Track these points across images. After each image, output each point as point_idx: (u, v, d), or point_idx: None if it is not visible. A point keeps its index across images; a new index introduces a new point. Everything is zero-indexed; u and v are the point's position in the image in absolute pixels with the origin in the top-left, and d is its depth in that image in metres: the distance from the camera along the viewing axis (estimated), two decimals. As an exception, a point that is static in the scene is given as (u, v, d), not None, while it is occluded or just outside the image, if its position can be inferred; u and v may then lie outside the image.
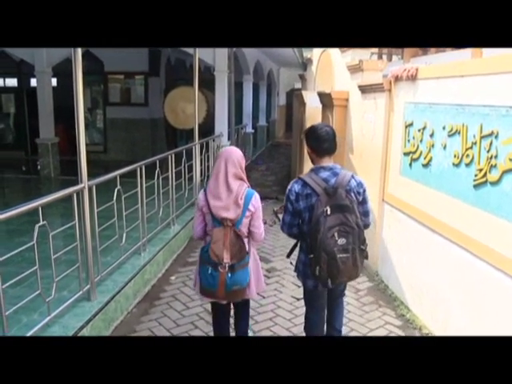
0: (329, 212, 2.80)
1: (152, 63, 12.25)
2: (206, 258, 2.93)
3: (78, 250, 3.64)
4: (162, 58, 12.46)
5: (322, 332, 3.29)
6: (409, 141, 4.30)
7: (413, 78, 4.17)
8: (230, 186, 2.95)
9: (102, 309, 3.68)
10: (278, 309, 4.37)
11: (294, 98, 9.59)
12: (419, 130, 4.07)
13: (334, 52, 6.64)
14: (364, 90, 5.37)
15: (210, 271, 2.91)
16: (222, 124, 9.22)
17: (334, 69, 6.70)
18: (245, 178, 3.05)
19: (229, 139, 9.39)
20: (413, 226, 4.21)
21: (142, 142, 12.15)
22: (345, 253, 2.81)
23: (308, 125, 7.80)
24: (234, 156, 3.03)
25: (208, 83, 10.08)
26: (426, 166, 3.96)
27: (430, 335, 3.82)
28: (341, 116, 6.12)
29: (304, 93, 8.17)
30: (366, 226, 3.09)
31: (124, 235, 4.54)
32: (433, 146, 3.84)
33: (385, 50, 13.08)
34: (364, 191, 3.06)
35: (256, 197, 3.04)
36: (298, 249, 3.18)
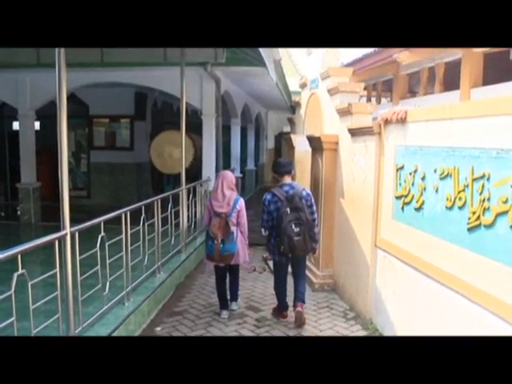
0: (289, 211, 4.80)
1: (138, 106, 12.44)
2: (208, 235, 5.14)
3: (59, 299, 3.56)
4: (149, 101, 12.67)
5: (285, 292, 5.26)
6: (400, 184, 4.36)
7: (402, 120, 4.27)
8: (225, 193, 5.15)
9: (82, 363, 3.55)
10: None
11: (283, 142, 9.73)
12: (410, 173, 4.13)
13: (323, 94, 6.79)
14: (354, 133, 5.47)
15: (210, 243, 5.10)
16: (209, 168, 9.35)
17: (322, 112, 6.83)
18: (235, 189, 5.29)
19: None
20: (407, 271, 4.20)
21: (127, 187, 12.19)
22: (298, 236, 4.78)
23: (298, 168, 8.01)
24: (227, 176, 5.29)
25: (195, 127, 10.23)
26: (418, 209, 4.00)
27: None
28: (331, 160, 6.19)
29: (293, 136, 8.29)
30: (313, 219, 4.99)
31: (107, 284, 4.46)
32: (425, 189, 3.90)
33: (373, 93, 13.38)
34: (311, 198, 5.06)
35: (241, 201, 5.25)
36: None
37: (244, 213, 5.20)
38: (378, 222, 4.88)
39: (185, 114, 7.27)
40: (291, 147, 8.51)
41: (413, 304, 4.12)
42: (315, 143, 6.40)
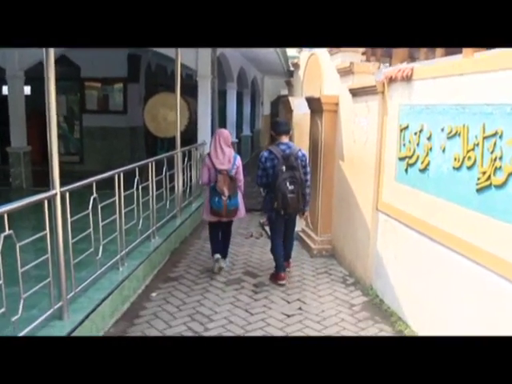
0: (284, 169, 4.95)
1: (131, 69, 12.14)
2: (215, 191, 5.24)
3: (50, 263, 3.45)
4: (142, 63, 12.35)
5: (282, 251, 5.32)
6: (404, 145, 4.22)
7: (408, 78, 4.09)
8: (224, 150, 5.35)
9: (75, 329, 3.46)
10: (267, 326, 4.20)
11: (281, 105, 9.55)
12: (415, 133, 3.98)
13: (323, 55, 6.57)
14: (355, 93, 5.30)
15: (217, 199, 5.23)
16: (205, 132, 9.20)
17: (322, 72, 6.62)
18: (231, 146, 5.53)
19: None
20: (410, 235, 4.11)
21: (121, 152, 11.93)
22: (292, 194, 4.95)
23: (296, 131, 7.86)
24: (223, 133, 5.49)
25: (190, 90, 10.07)
26: (423, 170, 3.87)
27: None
28: (330, 121, 6.04)
29: (291, 99, 8.11)
30: (306, 180, 5.16)
31: (100, 248, 4.34)
32: (430, 149, 3.75)
33: (372, 58, 13.20)
34: (306, 159, 5.22)
35: (238, 158, 5.45)
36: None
37: (241, 169, 5.44)
38: (380, 185, 4.76)
39: (180, 76, 7.05)
40: (289, 110, 8.32)
41: (415, 268, 4.04)
42: (315, 105, 6.23)
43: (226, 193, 5.20)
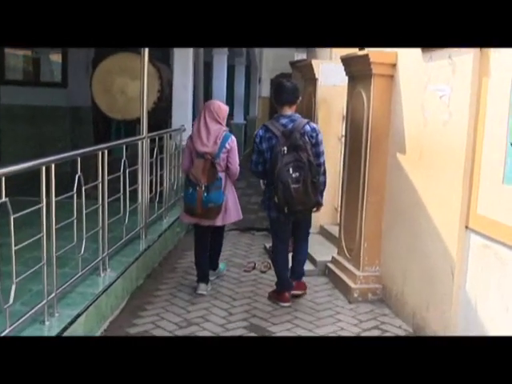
0: (285, 151, 4.91)
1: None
2: (188, 181, 5.42)
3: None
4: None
5: (287, 262, 5.52)
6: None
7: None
8: (209, 127, 5.35)
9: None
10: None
11: (296, 73, 8.99)
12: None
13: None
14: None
15: (190, 191, 5.34)
16: (184, 113, 8.95)
17: None
18: (223, 124, 5.50)
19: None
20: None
21: (57, 142, 11.38)
22: (297, 183, 4.85)
23: (321, 111, 7.39)
24: (213, 105, 5.52)
25: (163, 53, 10.00)
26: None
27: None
28: (384, 92, 5.56)
29: (314, 63, 7.47)
30: (319, 164, 5.14)
31: (12, 290, 3.66)
32: None
33: None
34: (317, 135, 5.17)
35: (232, 138, 5.51)
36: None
37: (235, 154, 5.53)
38: (474, 190, 4.27)
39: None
40: (310, 80, 7.78)
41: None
42: (357, 67, 5.79)
43: (203, 182, 5.27)
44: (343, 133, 7.07)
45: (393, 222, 5.59)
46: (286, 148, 4.93)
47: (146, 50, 6.57)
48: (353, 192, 5.82)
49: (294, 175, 4.88)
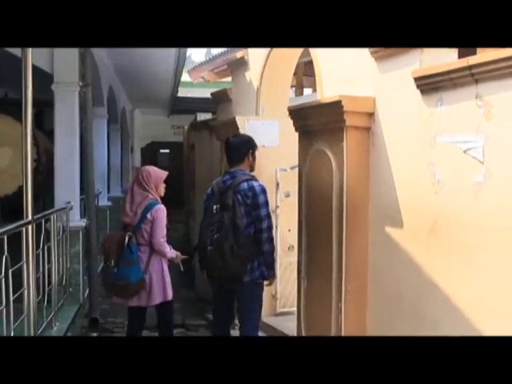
0: (215, 211, 4.76)
1: None
2: (102, 253, 5.67)
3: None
4: None
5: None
6: None
7: None
8: (134, 196, 5.34)
9: None
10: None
11: (205, 136, 7.87)
12: None
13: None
14: (440, 85, 3.72)
15: (101, 266, 6.01)
16: (69, 186, 7.46)
17: (318, 62, 5.19)
18: (152, 191, 5.33)
19: (85, 215, 7.69)
20: None
21: None
22: (212, 246, 4.60)
23: None
24: (142, 171, 5.47)
25: (35, 115, 8.18)
26: None
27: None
28: (360, 149, 4.47)
29: (239, 119, 6.28)
30: (260, 230, 4.71)
31: None
32: None
33: (293, 82, 12.91)
34: (254, 195, 4.70)
35: (157, 208, 5.26)
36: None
37: (159, 226, 5.23)
38: None
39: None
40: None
41: None
42: (321, 118, 4.68)
43: (112, 256, 5.09)
44: (278, 204, 6.22)
45: (385, 318, 4.41)
46: (217, 206, 4.69)
47: (30, 110, 4.86)
48: (319, 278, 4.69)
49: (215, 236, 4.58)
